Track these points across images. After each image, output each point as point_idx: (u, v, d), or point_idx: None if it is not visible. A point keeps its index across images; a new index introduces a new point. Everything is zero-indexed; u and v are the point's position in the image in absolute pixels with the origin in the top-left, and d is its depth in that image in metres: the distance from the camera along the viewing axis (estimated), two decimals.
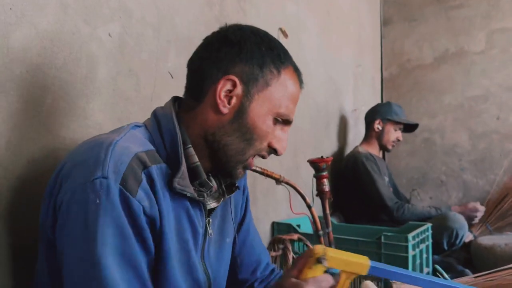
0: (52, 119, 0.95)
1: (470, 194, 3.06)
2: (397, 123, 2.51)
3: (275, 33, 1.93)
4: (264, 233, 1.85)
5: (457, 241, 2.05)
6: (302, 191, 1.35)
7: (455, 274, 1.91)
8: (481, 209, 2.34)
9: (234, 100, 0.76)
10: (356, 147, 2.54)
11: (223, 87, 0.76)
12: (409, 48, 3.34)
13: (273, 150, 0.82)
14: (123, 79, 1.13)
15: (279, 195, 1.89)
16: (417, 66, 3.30)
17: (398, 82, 3.39)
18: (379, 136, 2.52)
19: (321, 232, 1.40)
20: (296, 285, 0.69)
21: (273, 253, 1.51)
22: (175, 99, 0.83)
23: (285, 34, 1.97)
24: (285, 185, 1.32)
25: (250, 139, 0.78)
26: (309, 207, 1.38)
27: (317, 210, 1.44)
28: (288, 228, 1.81)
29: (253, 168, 1.26)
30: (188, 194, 0.74)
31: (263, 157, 0.83)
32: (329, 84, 2.53)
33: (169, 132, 0.75)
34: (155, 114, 0.80)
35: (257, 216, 1.79)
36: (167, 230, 0.71)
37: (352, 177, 2.38)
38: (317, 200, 1.44)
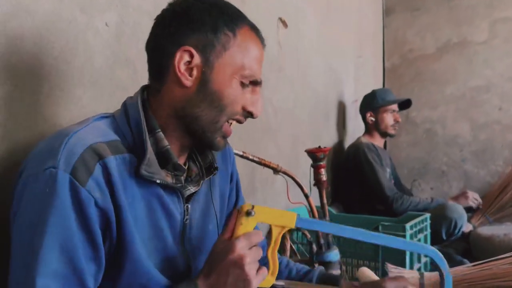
0: (49, 108, 0.96)
1: (471, 184, 3.06)
2: (387, 107, 2.48)
3: (274, 23, 1.92)
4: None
5: (456, 231, 2.06)
6: (299, 181, 1.36)
7: (454, 264, 1.91)
8: (475, 195, 2.37)
9: (195, 71, 0.76)
10: (359, 137, 2.53)
11: (181, 59, 0.75)
12: (411, 38, 3.32)
13: (248, 114, 0.81)
14: (120, 68, 1.13)
15: (278, 185, 1.90)
16: (419, 56, 3.28)
17: (399, 72, 3.37)
18: (376, 126, 2.50)
19: None
20: (227, 244, 0.70)
21: None
22: (144, 87, 0.83)
23: (284, 24, 1.96)
24: (283, 175, 1.33)
25: (219, 106, 0.77)
26: (306, 196, 1.39)
27: (315, 200, 1.45)
28: None
29: (251, 157, 1.27)
30: (158, 181, 0.73)
31: (239, 121, 0.82)
32: (329, 74, 2.52)
33: (135, 120, 0.75)
34: (124, 104, 0.80)
35: None
36: (129, 220, 0.70)
37: (353, 167, 2.37)
38: (315, 190, 1.45)
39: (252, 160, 1.26)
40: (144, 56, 1.20)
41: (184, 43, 0.75)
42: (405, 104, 2.58)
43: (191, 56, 0.75)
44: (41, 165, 0.65)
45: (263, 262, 0.75)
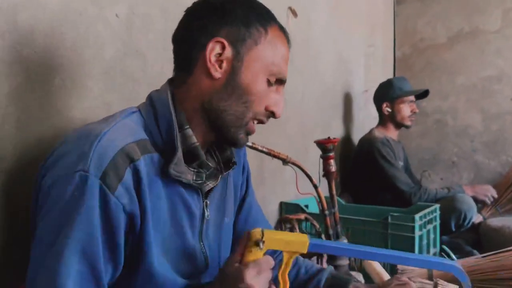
0: (60, 100, 0.97)
1: (481, 175, 3.04)
2: (405, 97, 2.40)
3: (284, 12, 1.91)
4: (272, 213, 1.87)
5: (465, 223, 2.05)
6: (308, 172, 1.36)
7: (463, 254, 1.91)
8: (493, 192, 2.33)
9: (225, 64, 0.76)
10: (373, 130, 2.46)
11: (212, 50, 0.75)
12: (423, 27, 3.27)
13: (271, 114, 0.82)
14: (130, 59, 1.14)
15: (287, 176, 1.90)
16: (430, 45, 3.24)
17: (410, 62, 3.33)
18: (392, 117, 2.42)
19: (327, 212, 1.41)
20: (237, 270, 0.69)
21: None
22: (171, 80, 0.82)
23: (294, 13, 1.95)
24: (292, 165, 1.33)
25: (247, 102, 0.77)
26: (315, 187, 1.39)
27: (324, 191, 1.45)
28: (296, 208, 1.83)
29: (260, 148, 1.27)
30: (184, 181, 0.74)
31: (262, 122, 0.82)
32: (339, 64, 2.50)
33: (165, 118, 0.74)
34: (150, 98, 0.78)
35: (265, 196, 1.81)
36: (151, 220, 0.70)
37: (366, 161, 2.33)
38: (324, 181, 1.45)
39: (261, 151, 1.26)
40: (154, 47, 1.21)
41: (217, 34, 0.75)
42: (422, 94, 2.48)
43: (223, 48, 0.75)
44: (71, 166, 0.64)
45: (275, 279, 0.75)
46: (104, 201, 0.64)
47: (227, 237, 0.92)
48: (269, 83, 0.79)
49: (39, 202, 0.68)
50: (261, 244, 0.71)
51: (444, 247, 1.82)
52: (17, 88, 0.87)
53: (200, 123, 0.79)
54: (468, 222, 2.06)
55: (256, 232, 0.72)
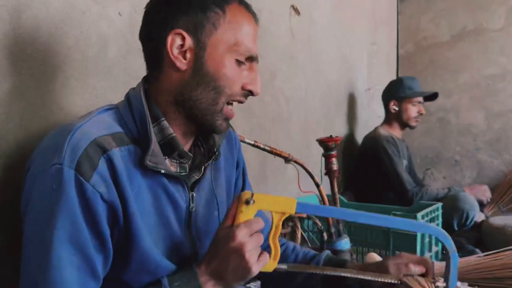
0: (64, 97, 0.97)
1: (484, 174, 3.03)
2: (413, 98, 2.40)
3: (286, 10, 1.91)
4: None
5: (467, 222, 2.05)
6: (310, 170, 1.37)
7: (465, 253, 1.91)
8: (488, 193, 2.35)
9: (188, 54, 0.75)
10: (377, 128, 2.46)
11: (173, 43, 0.75)
12: (426, 25, 3.27)
13: (248, 92, 0.81)
14: (133, 58, 1.14)
15: (289, 174, 1.91)
16: (434, 43, 3.23)
17: (413, 60, 3.33)
18: (398, 116, 2.42)
19: None
20: (228, 231, 0.71)
21: (282, 230, 1.53)
22: (146, 78, 0.83)
23: (297, 11, 1.95)
24: (294, 163, 1.34)
25: (217, 87, 0.77)
26: (317, 185, 1.40)
27: (326, 189, 1.46)
28: None
29: (262, 146, 1.27)
30: (162, 171, 0.74)
31: (240, 101, 0.82)
32: (342, 62, 2.50)
33: (138, 111, 0.75)
34: (127, 95, 0.80)
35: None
36: (135, 210, 0.71)
37: (371, 159, 2.33)
38: (326, 179, 1.45)
39: (264, 149, 1.26)
40: None
41: (174, 26, 0.75)
42: (430, 96, 2.47)
43: (183, 38, 0.75)
44: (47, 161, 0.66)
45: (265, 247, 0.76)
46: (80, 190, 0.65)
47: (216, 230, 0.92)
48: (238, 63, 0.78)
49: (22, 205, 0.70)
50: (251, 202, 0.73)
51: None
52: (21, 85, 0.88)
53: (176, 116, 0.79)
54: (471, 222, 2.06)
55: (246, 193, 0.74)
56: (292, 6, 1.93)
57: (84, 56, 1.01)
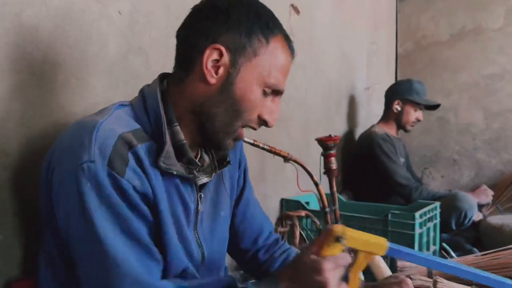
0: (64, 96, 0.98)
1: (482, 173, 3.04)
2: (417, 103, 2.39)
3: (286, 9, 1.91)
4: (273, 210, 1.88)
5: (466, 222, 2.05)
6: (309, 169, 1.37)
7: (463, 252, 1.92)
8: (490, 191, 2.35)
9: (221, 70, 0.76)
10: (373, 126, 2.46)
11: (210, 56, 0.75)
12: (425, 24, 3.27)
13: (263, 122, 0.81)
14: (133, 56, 1.14)
15: (288, 173, 1.91)
16: (433, 43, 3.23)
17: (413, 59, 3.33)
18: (398, 117, 2.43)
19: (327, 209, 1.42)
20: (315, 262, 0.70)
21: (281, 229, 1.54)
22: (163, 76, 0.83)
23: (296, 11, 1.95)
24: (293, 163, 1.34)
25: (237, 111, 0.77)
26: (316, 184, 1.40)
27: (325, 188, 1.46)
28: (297, 205, 1.84)
29: (262, 146, 1.28)
30: (175, 172, 0.75)
31: (253, 128, 0.82)
32: (342, 61, 2.50)
33: (154, 111, 0.75)
34: (142, 92, 0.80)
35: (266, 193, 1.82)
36: (162, 204, 0.73)
37: (367, 157, 2.33)
38: (325, 178, 1.46)
39: (263, 148, 1.26)
40: (157, 45, 1.22)
41: (217, 40, 0.75)
42: (430, 106, 2.48)
43: (221, 55, 0.75)
44: (75, 160, 0.66)
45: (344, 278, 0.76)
46: (116, 186, 0.66)
47: (221, 231, 0.93)
48: (264, 93, 0.79)
49: (53, 201, 0.70)
50: (342, 241, 0.72)
51: (444, 245, 1.83)
52: (21, 84, 0.88)
53: (189, 123, 0.79)
54: (469, 221, 2.06)
55: (338, 228, 0.73)
56: (292, 5, 1.93)
57: (84, 55, 1.02)
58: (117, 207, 0.66)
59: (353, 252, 0.75)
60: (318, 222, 1.46)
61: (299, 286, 0.72)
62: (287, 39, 0.81)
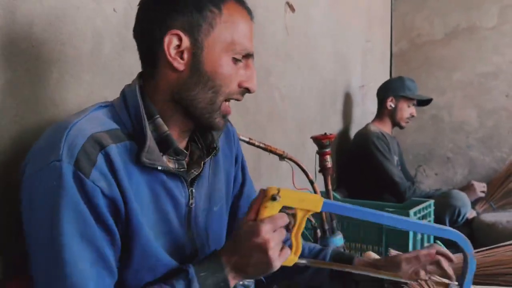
0: (58, 94, 0.97)
1: (476, 171, 3.06)
2: (410, 99, 2.43)
3: (281, 7, 1.91)
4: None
5: (459, 219, 2.07)
6: (305, 167, 1.37)
7: (457, 249, 1.93)
8: (481, 185, 2.37)
9: (185, 54, 0.75)
10: (368, 124, 2.48)
11: (170, 44, 0.74)
12: (420, 22, 3.28)
13: (245, 90, 0.81)
14: (128, 54, 1.14)
15: (283, 171, 1.91)
16: (428, 41, 3.25)
17: (407, 57, 3.34)
18: (392, 114, 2.45)
19: None
20: (252, 226, 0.71)
21: None
22: (141, 74, 0.83)
23: (292, 8, 1.95)
24: (289, 161, 1.34)
25: (214, 87, 0.77)
26: (311, 182, 1.40)
27: (320, 186, 1.46)
28: None
29: (257, 144, 1.28)
30: (159, 168, 0.74)
31: (237, 99, 0.82)
32: (337, 60, 2.51)
33: (134, 107, 0.75)
34: (123, 92, 0.80)
35: None
36: (135, 206, 0.71)
37: (362, 156, 2.35)
38: (320, 176, 1.46)
39: (258, 146, 1.27)
40: None
41: (171, 26, 0.74)
42: (422, 102, 2.53)
43: (180, 39, 0.74)
44: (44, 159, 0.66)
45: (286, 242, 0.76)
46: (81, 186, 0.65)
47: (216, 226, 0.92)
48: (235, 61, 0.78)
49: (23, 205, 0.69)
50: (277, 198, 0.72)
51: (438, 242, 1.84)
52: (15, 81, 0.88)
53: (173, 113, 0.79)
54: (462, 218, 2.08)
55: (272, 188, 0.73)
56: (287, 3, 1.93)
57: (79, 52, 1.01)
58: (81, 212, 0.65)
59: (292, 215, 0.75)
60: (313, 220, 1.46)
61: (240, 255, 0.72)
62: (239, 1, 0.80)
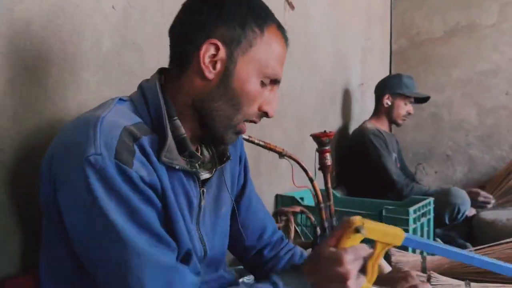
0: (57, 92, 0.97)
1: (475, 169, 3.06)
2: (407, 96, 2.42)
3: (280, 5, 1.91)
4: (268, 206, 1.87)
5: (459, 216, 2.07)
6: (304, 165, 1.37)
7: (456, 247, 1.93)
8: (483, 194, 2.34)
9: (218, 65, 0.75)
10: (364, 122, 2.48)
11: (207, 52, 0.74)
12: (419, 20, 3.28)
13: (263, 114, 0.81)
14: (127, 52, 1.14)
15: (283, 168, 1.91)
16: (427, 39, 3.25)
17: (407, 55, 3.34)
18: (389, 111, 2.45)
19: (322, 205, 1.43)
20: (335, 254, 0.70)
21: (276, 224, 1.54)
22: (161, 70, 0.82)
23: (291, 6, 1.95)
24: (288, 159, 1.34)
25: (237, 104, 0.77)
26: (311, 180, 1.41)
27: (320, 184, 1.46)
28: (292, 200, 1.84)
29: (257, 141, 1.28)
30: (177, 167, 0.74)
31: (254, 122, 0.82)
32: (336, 57, 2.51)
33: (154, 105, 0.75)
34: (141, 87, 0.79)
35: (261, 189, 1.82)
36: (170, 193, 0.72)
37: (359, 153, 2.35)
38: (320, 174, 1.46)
39: (258, 144, 1.27)
40: (151, 40, 1.21)
41: (211, 35, 0.75)
42: (420, 100, 2.51)
43: (217, 49, 0.75)
44: (81, 153, 0.64)
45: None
46: (125, 177, 0.65)
47: (223, 227, 0.92)
48: (262, 84, 0.79)
49: (59, 197, 0.68)
50: (362, 231, 0.71)
51: (438, 239, 1.85)
52: (14, 80, 0.87)
53: (190, 118, 0.79)
54: (462, 216, 2.08)
55: (357, 220, 0.73)
56: (287, 1, 1.93)
57: (78, 50, 1.01)
58: (127, 199, 0.65)
59: (371, 243, 0.75)
60: (313, 218, 1.46)
61: (320, 279, 0.72)
62: (280, 28, 0.81)
